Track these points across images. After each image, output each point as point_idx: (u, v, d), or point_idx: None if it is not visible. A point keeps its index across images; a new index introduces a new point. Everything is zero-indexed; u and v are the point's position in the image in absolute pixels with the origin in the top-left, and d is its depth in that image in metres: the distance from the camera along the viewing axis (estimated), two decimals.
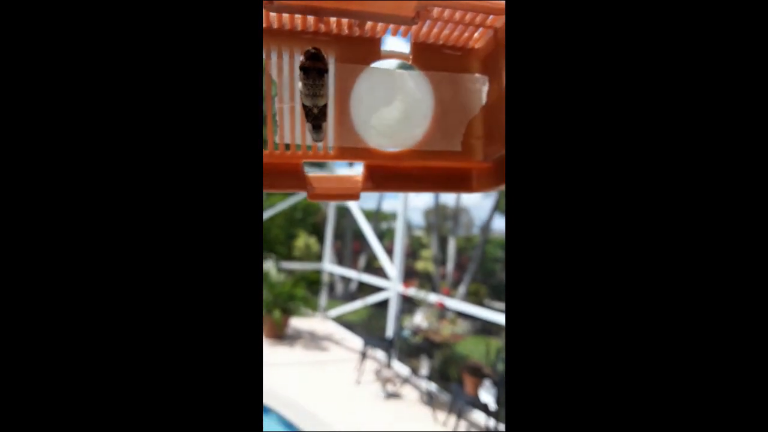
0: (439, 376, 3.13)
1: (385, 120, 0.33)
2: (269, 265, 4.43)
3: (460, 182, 0.37)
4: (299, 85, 0.32)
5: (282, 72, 0.32)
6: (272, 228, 6.12)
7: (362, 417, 2.70)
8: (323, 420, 2.59)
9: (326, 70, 0.31)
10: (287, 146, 0.34)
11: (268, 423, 2.69)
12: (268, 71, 0.33)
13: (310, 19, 0.32)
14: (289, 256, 5.67)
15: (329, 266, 5.19)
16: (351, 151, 0.34)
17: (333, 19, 0.32)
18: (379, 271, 4.46)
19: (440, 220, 6.63)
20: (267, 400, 2.77)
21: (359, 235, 5.77)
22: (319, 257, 5.53)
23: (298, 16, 0.31)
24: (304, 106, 0.32)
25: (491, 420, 2.38)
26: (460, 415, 2.53)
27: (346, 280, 6.25)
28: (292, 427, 2.57)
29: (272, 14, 0.31)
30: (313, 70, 0.31)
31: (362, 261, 6.37)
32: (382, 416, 2.75)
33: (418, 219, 7.81)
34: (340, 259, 6.08)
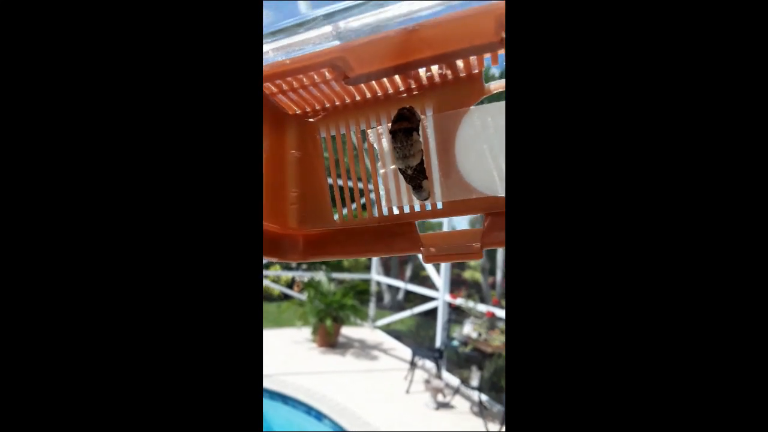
0: (491, 386, 3.09)
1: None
2: (321, 276, 4.59)
3: None
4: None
5: (381, 139, 0.32)
6: None
7: (414, 427, 2.72)
8: (377, 429, 2.64)
9: (414, 128, 0.30)
10: (397, 210, 0.33)
11: (321, 428, 2.78)
12: (370, 143, 0.33)
13: (397, 79, 0.31)
14: (339, 267, 5.82)
15: (377, 276, 5.27)
16: (463, 204, 0.31)
17: (422, 72, 0.30)
18: (426, 281, 4.48)
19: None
20: (320, 406, 2.87)
21: None
22: (367, 267, 5.63)
23: (385, 80, 0.31)
24: (399, 170, 0.31)
25: None
26: None
27: (394, 290, 6.30)
28: None
29: (362, 87, 0.31)
30: (399, 131, 0.30)
31: (408, 271, 6.40)
32: (434, 426, 2.75)
33: (463, 227, 7.69)
34: (387, 269, 6.14)
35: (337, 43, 0.28)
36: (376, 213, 0.35)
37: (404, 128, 0.30)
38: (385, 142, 0.32)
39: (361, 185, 0.36)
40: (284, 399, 2.96)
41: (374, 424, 2.70)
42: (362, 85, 0.32)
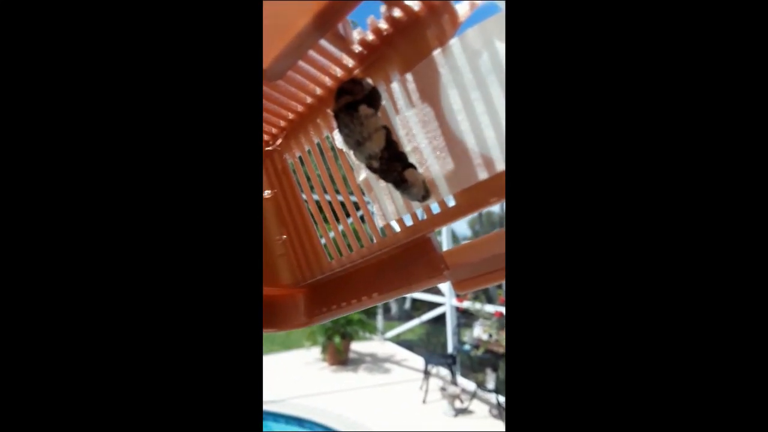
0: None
1: None
2: None
3: None
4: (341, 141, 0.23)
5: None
6: None
7: None
8: None
9: (360, 101, 0.21)
10: (397, 226, 0.25)
11: None
12: (339, 148, 0.27)
13: (337, 53, 0.23)
14: None
15: None
16: (484, 190, 0.21)
17: (364, 31, 0.23)
18: (432, 287, 4.45)
19: (487, 228, 6.51)
20: (337, 425, 2.82)
21: None
22: None
23: (322, 59, 0.24)
24: (367, 167, 0.23)
25: None
26: None
27: (400, 300, 6.26)
28: None
29: (305, 83, 0.25)
30: (340, 112, 0.22)
31: None
32: None
33: (463, 229, 7.72)
34: None
35: None
36: (374, 240, 0.27)
37: (344, 104, 0.21)
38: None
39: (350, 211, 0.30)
40: (300, 422, 2.91)
41: None
42: (303, 79, 0.25)
